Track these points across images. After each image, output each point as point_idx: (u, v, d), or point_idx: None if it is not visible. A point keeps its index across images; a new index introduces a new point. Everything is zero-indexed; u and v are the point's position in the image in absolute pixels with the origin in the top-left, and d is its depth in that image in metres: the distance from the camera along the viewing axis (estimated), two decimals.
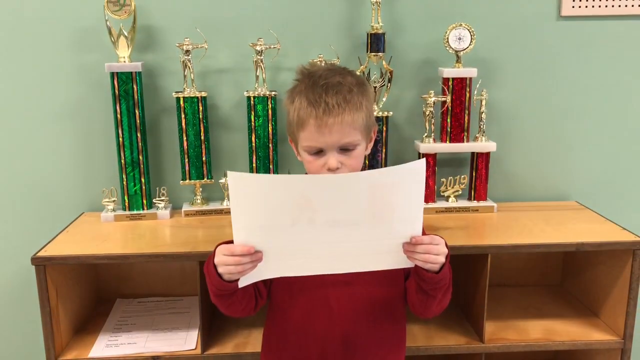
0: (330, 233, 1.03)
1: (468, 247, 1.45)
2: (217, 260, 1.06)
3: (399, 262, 1.10)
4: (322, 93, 1.12)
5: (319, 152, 1.15)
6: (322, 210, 1.01)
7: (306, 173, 1.25)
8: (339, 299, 1.20)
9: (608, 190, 1.85)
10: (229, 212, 1.66)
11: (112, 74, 1.59)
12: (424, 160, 1.02)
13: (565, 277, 1.82)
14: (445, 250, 1.09)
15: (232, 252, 1.04)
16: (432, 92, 1.66)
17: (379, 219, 1.03)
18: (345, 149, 1.14)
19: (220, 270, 1.06)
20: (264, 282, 1.20)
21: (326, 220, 1.01)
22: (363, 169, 1.20)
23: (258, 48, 1.62)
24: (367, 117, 1.17)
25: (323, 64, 1.28)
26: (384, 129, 1.68)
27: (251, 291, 1.17)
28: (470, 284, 1.57)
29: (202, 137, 1.67)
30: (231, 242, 1.05)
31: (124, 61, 1.60)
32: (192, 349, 1.49)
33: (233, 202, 1.00)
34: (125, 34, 1.59)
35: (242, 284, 1.08)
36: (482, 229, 1.61)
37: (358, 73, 1.63)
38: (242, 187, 0.99)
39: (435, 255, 1.07)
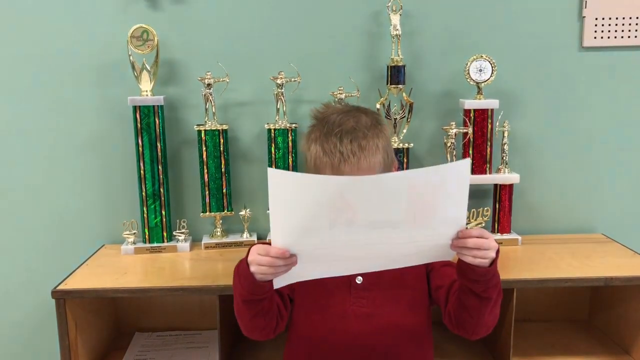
0: (369, 235, 1.00)
1: None
2: (251, 258, 1.05)
3: (439, 256, 1.07)
4: (336, 142, 1.11)
5: None
6: (361, 212, 0.98)
7: None
8: (362, 331, 1.18)
9: (635, 222, 1.81)
10: (249, 245, 1.68)
11: (135, 108, 1.61)
12: (468, 160, 1.00)
13: (593, 313, 1.77)
14: (496, 245, 1.05)
15: (267, 252, 1.02)
16: (454, 123, 1.65)
17: (420, 220, 1.00)
18: None
19: (253, 269, 1.04)
20: (285, 306, 1.19)
21: (365, 223, 0.99)
22: None
23: (279, 81, 1.63)
24: (385, 157, 1.15)
25: (338, 104, 1.28)
26: (405, 160, 1.66)
27: (275, 308, 1.15)
28: None
29: (223, 170, 1.67)
30: (267, 244, 1.04)
31: (147, 95, 1.62)
32: None
33: (271, 200, 0.98)
34: (148, 68, 1.61)
35: (276, 284, 1.07)
36: (506, 262, 1.57)
37: (378, 105, 1.65)
38: (281, 185, 0.97)
39: (485, 250, 1.03)
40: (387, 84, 1.65)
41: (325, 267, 1.07)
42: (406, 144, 1.66)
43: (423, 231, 1.02)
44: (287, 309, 1.20)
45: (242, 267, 1.08)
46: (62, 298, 1.39)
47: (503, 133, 1.67)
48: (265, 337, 1.17)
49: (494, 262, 1.06)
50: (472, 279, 1.07)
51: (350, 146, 1.11)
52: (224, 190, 1.68)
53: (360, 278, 1.20)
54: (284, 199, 0.98)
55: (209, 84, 1.63)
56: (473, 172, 1.68)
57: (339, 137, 1.12)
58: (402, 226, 1.00)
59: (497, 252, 1.06)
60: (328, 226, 0.98)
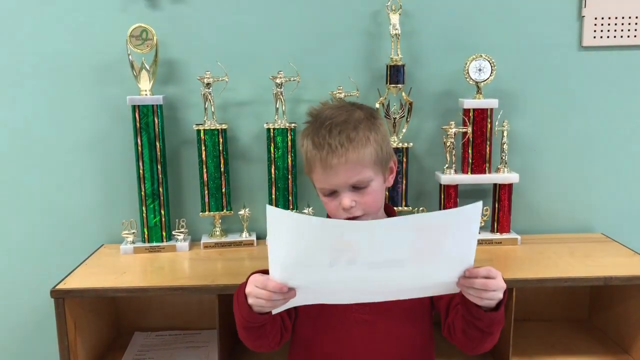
0: (372, 272, 0.97)
1: None
2: (248, 290, 1.03)
3: (443, 291, 1.05)
4: (325, 134, 1.10)
5: (333, 193, 1.13)
6: (364, 253, 0.95)
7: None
8: (363, 338, 1.18)
9: (634, 221, 1.81)
10: (248, 244, 1.69)
11: (134, 107, 1.60)
12: (480, 204, 0.95)
13: (593, 312, 1.77)
14: (504, 285, 1.01)
15: (265, 286, 1.00)
16: (453, 123, 1.64)
17: (426, 260, 0.97)
18: (357, 187, 1.11)
19: (251, 301, 1.03)
20: (290, 316, 1.18)
21: (367, 262, 0.96)
22: (386, 200, 1.17)
23: (278, 81, 1.63)
24: (378, 150, 1.13)
25: (335, 102, 1.27)
26: (404, 160, 1.66)
27: (278, 325, 1.14)
28: None
29: (222, 169, 1.67)
30: (265, 271, 1.02)
31: (146, 94, 1.62)
32: None
33: (270, 237, 0.96)
34: (147, 67, 1.61)
35: (275, 311, 1.06)
36: (505, 262, 1.57)
37: (377, 105, 1.64)
38: (280, 224, 0.95)
39: (492, 292, 1.00)
40: (387, 83, 1.65)
41: (325, 297, 1.06)
42: (405, 144, 1.66)
43: (428, 269, 0.99)
44: (291, 319, 1.19)
45: (240, 297, 1.06)
46: (61, 297, 1.39)
47: (502, 132, 1.67)
48: (271, 350, 1.16)
49: (501, 302, 1.03)
50: (477, 317, 1.05)
51: (338, 137, 1.09)
52: (223, 190, 1.68)
53: None
54: (282, 236, 0.95)
55: (208, 84, 1.62)
56: (473, 171, 1.68)
57: (329, 129, 1.10)
58: (406, 265, 0.97)
59: (505, 292, 1.03)
60: (328, 264, 0.96)
